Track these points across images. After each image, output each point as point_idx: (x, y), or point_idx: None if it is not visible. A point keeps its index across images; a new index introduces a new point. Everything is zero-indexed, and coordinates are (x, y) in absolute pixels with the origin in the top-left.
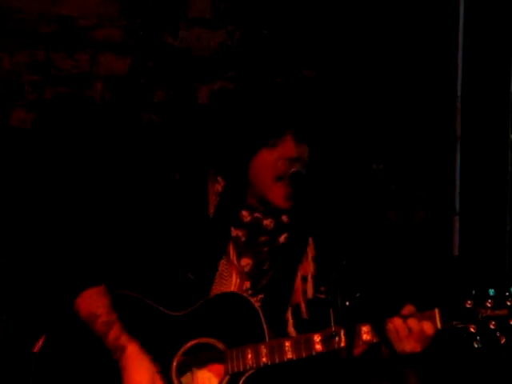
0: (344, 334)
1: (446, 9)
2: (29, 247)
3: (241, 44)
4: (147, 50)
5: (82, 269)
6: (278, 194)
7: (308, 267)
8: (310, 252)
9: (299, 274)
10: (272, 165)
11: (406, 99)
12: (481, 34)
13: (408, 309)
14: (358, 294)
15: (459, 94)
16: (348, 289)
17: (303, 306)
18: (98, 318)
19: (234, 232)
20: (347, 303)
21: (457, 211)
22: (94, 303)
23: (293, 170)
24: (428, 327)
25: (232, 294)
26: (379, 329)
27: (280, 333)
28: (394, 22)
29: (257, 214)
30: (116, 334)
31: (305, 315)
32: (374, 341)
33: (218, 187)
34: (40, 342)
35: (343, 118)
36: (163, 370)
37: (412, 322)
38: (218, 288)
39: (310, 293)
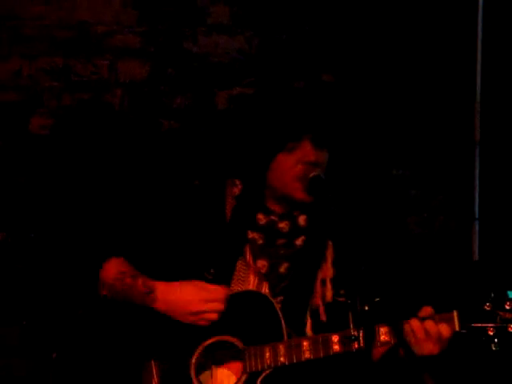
0: (362, 336)
1: (465, 14)
2: (52, 247)
3: (259, 50)
4: (166, 57)
5: (105, 244)
6: (297, 188)
7: (327, 271)
8: (330, 256)
9: (319, 277)
10: (290, 169)
11: (424, 105)
12: (499, 39)
13: (426, 310)
14: (377, 299)
15: (478, 99)
16: (367, 293)
17: (322, 309)
18: (125, 274)
19: (251, 235)
20: (366, 308)
21: (476, 216)
22: (119, 266)
23: (312, 174)
24: (445, 329)
25: (252, 292)
26: (397, 330)
27: (298, 334)
28: (413, 28)
29: (272, 217)
30: (144, 280)
31: (323, 318)
32: (392, 342)
33: (236, 190)
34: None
35: (363, 123)
36: (183, 366)
37: (429, 324)
38: (236, 288)
39: (328, 296)
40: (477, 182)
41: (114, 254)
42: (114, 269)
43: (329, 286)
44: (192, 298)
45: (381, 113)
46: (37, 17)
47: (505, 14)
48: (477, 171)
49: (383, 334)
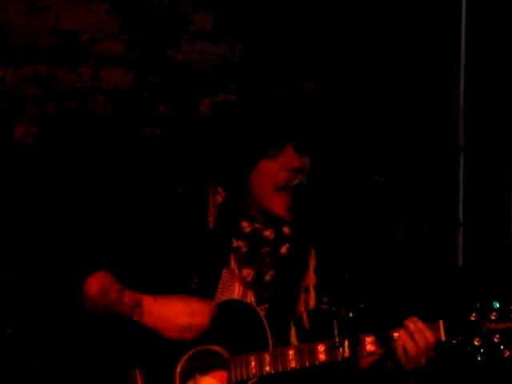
0: (348, 345)
1: (448, 19)
2: (36, 255)
3: (243, 57)
4: (149, 64)
5: (89, 263)
6: (279, 204)
7: (310, 278)
8: (312, 263)
9: (302, 285)
10: (273, 175)
11: (408, 110)
12: (483, 43)
13: (412, 320)
14: (361, 306)
15: (462, 104)
16: (352, 300)
17: (305, 316)
18: (109, 289)
19: (235, 243)
20: (351, 314)
21: (460, 222)
22: (103, 278)
23: (295, 181)
24: (432, 339)
25: (237, 301)
26: (383, 340)
27: (283, 343)
28: (395, 33)
29: (257, 225)
30: (130, 294)
31: (306, 325)
32: (378, 352)
33: (219, 198)
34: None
35: (345, 129)
36: (167, 375)
37: (416, 334)
38: (221, 297)
39: (311, 303)
40: (461, 188)
41: (97, 266)
42: (97, 284)
43: (312, 293)
44: (178, 312)
45: (364, 119)
46: (21, 25)
47: (488, 20)
48: (461, 177)
49: (369, 343)
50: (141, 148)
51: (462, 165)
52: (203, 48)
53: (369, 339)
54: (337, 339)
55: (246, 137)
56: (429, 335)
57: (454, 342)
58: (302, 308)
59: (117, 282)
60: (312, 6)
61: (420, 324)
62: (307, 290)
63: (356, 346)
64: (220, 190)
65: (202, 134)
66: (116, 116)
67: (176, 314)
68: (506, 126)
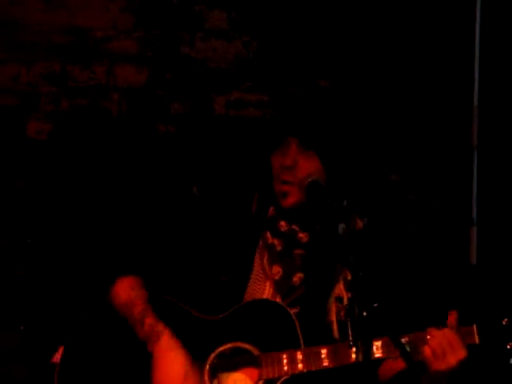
0: (360, 345)
1: (463, 19)
2: (50, 253)
3: (257, 55)
4: (164, 62)
5: (118, 259)
6: (277, 193)
7: (345, 289)
8: (349, 274)
9: (334, 294)
10: (275, 170)
11: (422, 109)
12: (497, 44)
13: (451, 320)
14: (375, 304)
15: (476, 103)
16: (366, 299)
17: (335, 326)
18: (135, 306)
19: (271, 240)
20: (365, 313)
21: (474, 221)
22: (130, 291)
23: (309, 179)
24: (463, 340)
25: (267, 301)
26: (401, 346)
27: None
28: (411, 33)
29: (294, 226)
30: (152, 321)
31: (336, 335)
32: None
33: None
34: (59, 353)
35: (359, 128)
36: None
37: (450, 334)
38: (251, 293)
39: (343, 314)
40: (474, 187)
41: (125, 264)
42: (124, 295)
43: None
44: (178, 370)
45: (378, 118)
46: (35, 22)
47: (503, 20)
48: (474, 176)
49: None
50: (156, 146)
51: (475, 163)
52: (218, 46)
53: (377, 343)
54: (351, 338)
55: (258, 132)
56: (463, 337)
57: (487, 345)
58: (333, 317)
59: (144, 297)
60: (327, 3)
61: (457, 324)
62: (341, 301)
63: (369, 345)
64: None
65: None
66: (130, 114)
67: (176, 371)
68: None
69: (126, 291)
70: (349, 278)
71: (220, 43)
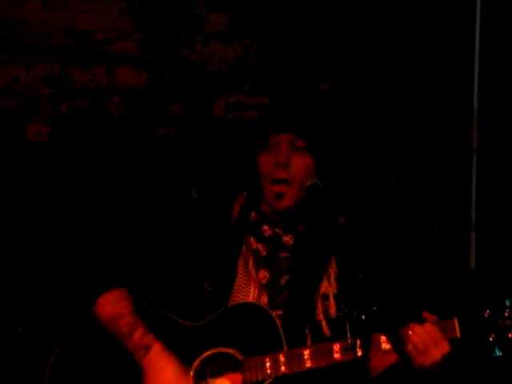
0: (359, 345)
1: (463, 23)
2: (49, 255)
3: (257, 58)
4: (164, 64)
5: (104, 270)
6: (270, 194)
7: (330, 286)
8: (333, 271)
9: (320, 292)
10: (266, 169)
11: (421, 112)
12: (497, 48)
13: (429, 318)
14: (374, 308)
15: (475, 107)
16: (364, 302)
17: (324, 323)
18: (121, 318)
19: (255, 245)
20: (363, 317)
21: (473, 225)
22: (117, 303)
23: (309, 182)
24: (446, 334)
25: (250, 304)
26: (397, 339)
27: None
28: (411, 37)
29: (277, 230)
30: (141, 333)
31: (326, 333)
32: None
33: (242, 200)
34: (53, 354)
35: (359, 131)
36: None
37: (432, 329)
38: (236, 299)
39: (331, 311)
40: (474, 191)
41: (111, 275)
42: (109, 309)
43: (332, 301)
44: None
45: (377, 121)
46: (35, 24)
47: (503, 23)
48: (474, 179)
49: (384, 342)
50: (155, 148)
51: (474, 167)
52: (217, 48)
53: (384, 337)
54: (349, 341)
55: (244, 132)
56: (444, 331)
57: (470, 338)
58: (320, 316)
59: (129, 312)
60: (327, 7)
61: (437, 320)
62: (327, 298)
63: (368, 347)
64: (245, 192)
65: (217, 136)
66: (130, 116)
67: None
68: None
69: (111, 304)
70: (333, 274)
71: (220, 46)
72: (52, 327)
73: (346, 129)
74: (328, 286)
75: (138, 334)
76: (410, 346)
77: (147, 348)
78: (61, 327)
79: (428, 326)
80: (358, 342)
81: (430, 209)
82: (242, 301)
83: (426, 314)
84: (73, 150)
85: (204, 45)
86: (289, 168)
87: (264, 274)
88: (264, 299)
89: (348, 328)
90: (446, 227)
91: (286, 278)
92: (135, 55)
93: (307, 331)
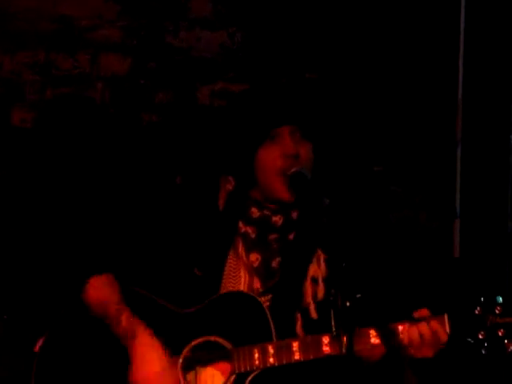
0: (345, 334)
1: (447, 13)
2: (34, 243)
3: (242, 45)
4: (148, 51)
5: (90, 257)
6: (280, 187)
7: (319, 269)
8: (322, 254)
9: (309, 275)
10: (272, 162)
11: (407, 102)
12: (481, 38)
13: (421, 313)
14: (358, 295)
15: (460, 96)
16: (349, 290)
17: (312, 307)
18: (109, 304)
19: (244, 228)
20: (348, 304)
21: (458, 214)
22: (104, 289)
23: (292, 170)
24: (439, 333)
25: (240, 293)
26: (385, 333)
27: (288, 333)
28: (396, 27)
29: (266, 212)
30: (127, 319)
31: (314, 316)
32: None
33: (229, 187)
34: (41, 341)
35: (344, 119)
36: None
37: (423, 327)
38: (227, 284)
39: (320, 295)
40: (458, 180)
41: (98, 261)
42: (96, 295)
43: (321, 284)
44: (155, 371)
45: (363, 110)
46: (19, 11)
47: (487, 14)
48: (458, 169)
49: (374, 336)
50: (140, 135)
51: (459, 157)
52: (202, 35)
53: (373, 332)
54: (334, 329)
55: (241, 125)
56: (435, 327)
57: (459, 335)
58: (309, 299)
59: (117, 297)
60: None
61: (428, 316)
62: (316, 281)
63: (352, 335)
64: (231, 179)
65: (203, 123)
66: (114, 103)
67: (153, 372)
68: (504, 119)
69: (98, 290)
70: (322, 257)
71: (205, 33)
72: (38, 314)
73: (333, 117)
74: (317, 269)
75: (124, 320)
76: (401, 341)
77: (133, 334)
78: (47, 314)
79: (422, 323)
80: (344, 333)
81: (414, 197)
82: (233, 286)
83: (419, 313)
84: (57, 137)
85: (189, 31)
86: (299, 159)
87: (255, 257)
88: (256, 282)
89: (333, 316)
90: (431, 216)
91: (278, 259)
92: (119, 42)
93: (298, 316)
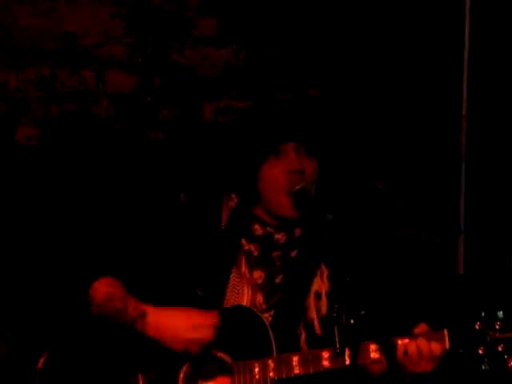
0: (348, 352)
1: (452, 28)
2: (37, 259)
3: (246, 63)
4: (153, 68)
5: (92, 277)
6: (285, 204)
7: (322, 284)
8: (325, 269)
9: (313, 291)
10: (276, 179)
11: (411, 118)
12: (486, 54)
13: (420, 328)
14: (362, 312)
15: (464, 113)
16: (353, 307)
17: (317, 322)
18: (115, 296)
19: (247, 246)
20: (352, 321)
21: (462, 230)
22: (110, 284)
23: (297, 187)
24: (436, 348)
25: (241, 307)
26: (387, 348)
27: (292, 348)
28: (400, 43)
29: (269, 229)
30: (135, 303)
31: (318, 332)
32: (382, 359)
33: (232, 204)
34: (43, 358)
35: (348, 136)
36: (170, 380)
37: (422, 343)
38: (230, 302)
39: (323, 310)
40: (462, 196)
41: (102, 270)
42: (103, 290)
43: (324, 299)
44: (183, 326)
45: (367, 127)
46: (24, 27)
47: (491, 30)
48: (462, 185)
49: (373, 351)
50: (145, 152)
51: (463, 173)
52: (207, 53)
53: (373, 346)
54: (337, 346)
55: (245, 141)
56: (433, 343)
57: (459, 350)
58: (313, 314)
59: (123, 290)
60: (315, 13)
61: (427, 331)
62: (319, 297)
63: (356, 353)
64: (233, 196)
65: (207, 140)
66: (119, 120)
67: (181, 327)
68: (508, 135)
69: (104, 286)
70: (325, 272)
71: (209, 50)
72: (41, 331)
73: (338, 134)
74: (321, 284)
75: (132, 305)
76: (400, 356)
77: (143, 314)
78: (50, 331)
79: (420, 338)
80: (347, 349)
81: (419, 214)
82: (235, 302)
83: (419, 329)
84: (62, 154)
85: (194, 49)
86: (304, 175)
87: (259, 274)
88: (259, 298)
89: (336, 332)
90: (435, 233)
91: (281, 276)
92: (125, 59)
93: (301, 330)
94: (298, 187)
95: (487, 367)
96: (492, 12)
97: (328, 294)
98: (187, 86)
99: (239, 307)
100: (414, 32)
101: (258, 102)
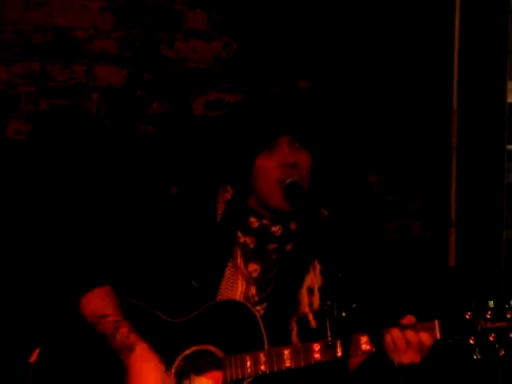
0: (340, 344)
1: (442, 21)
2: (30, 254)
3: (237, 55)
4: (143, 62)
5: (87, 269)
6: (277, 196)
7: (315, 279)
8: (318, 265)
9: (305, 285)
10: (271, 171)
11: (402, 111)
12: (476, 46)
13: (407, 319)
14: (354, 305)
15: (455, 105)
16: (345, 300)
17: (311, 316)
18: (105, 317)
19: (243, 238)
20: (343, 314)
21: (453, 222)
22: (101, 302)
23: (288, 180)
24: (426, 338)
25: (232, 301)
26: (375, 338)
27: (283, 341)
28: (390, 35)
29: (265, 221)
30: (125, 333)
31: (314, 325)
32: (373, 351)
33: (227, 195)
34: (36, 352)
35: (339, 128)
36: (168, 374)
37: (410, 334)
38: (223, 294)
39: (315, 304)
40: (453, 188)
41: (96, 266)
42: (94, 305)
43: (317, 294)
44: None
45: (357, 119)
46: (14, 21)
47: (482, 22)
48: (453, 177)
49: (364, 343)
50: (135, 146)
51: (454, 165)
52: (197, 46)
53: (364, 338)
54: (329, 339)
55: (239, 134)
56: (423, 334)
57: (450, 341)
58: (306, 308)
59: (116, 309)
60: (307, 5)
61: (415, 323)
62: (312, 291)
63: (348, 345)
64: (229, 188)
65: (197, 133)
66: (109, 113)
67: None
68: (498, 127)
69: (96, 302)
70: (318, 267)
71: (199, 44)
72: (34, 325)
73: (328, 126)
74: (314, 279)
75: (121, 334)
76: (389, 347)
77: (131, 348)
78: (43, 325)
79: (408, 329)
80: (338, 341)
81: (410, 206)
82: (229, 295)
83: (405, 320)
84: (52, 148)
85: (184, 42)
86: (297, 168)
87: (254, 267)
88: (252, 291)
89: (328, 326)
90: (426, 225)
91: (276, 269)
92: (115, 53)
93: (293, 324)
94: (288, 180)
95: (478, 357)
96: (482, 5)
97: (320, 289)
98: (177, 80)
99: (231, 301)
100: (404, 24)
101: (249, 94)
